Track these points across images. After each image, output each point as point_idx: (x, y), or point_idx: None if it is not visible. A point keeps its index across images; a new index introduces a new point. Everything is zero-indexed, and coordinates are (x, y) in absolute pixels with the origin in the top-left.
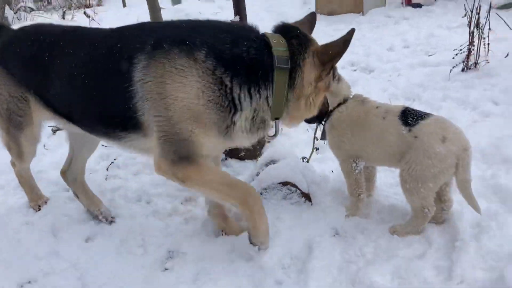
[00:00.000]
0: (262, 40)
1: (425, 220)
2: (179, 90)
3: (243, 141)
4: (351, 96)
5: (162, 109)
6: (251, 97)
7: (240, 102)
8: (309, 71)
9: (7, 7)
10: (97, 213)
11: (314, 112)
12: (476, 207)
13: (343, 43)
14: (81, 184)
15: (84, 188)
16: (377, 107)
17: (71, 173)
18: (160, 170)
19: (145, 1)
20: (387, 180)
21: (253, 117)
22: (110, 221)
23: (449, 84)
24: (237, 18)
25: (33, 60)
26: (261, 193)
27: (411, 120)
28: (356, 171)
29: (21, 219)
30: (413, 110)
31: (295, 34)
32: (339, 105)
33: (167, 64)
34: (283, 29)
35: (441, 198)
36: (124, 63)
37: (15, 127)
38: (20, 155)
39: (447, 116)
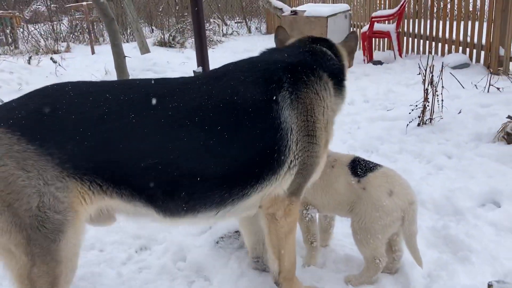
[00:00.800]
0: (324, 50)
1: (377, 270)
2: (321, 113)
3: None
4: None
5: (310, 137)
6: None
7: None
8: (346, 61)
9: None
10: None
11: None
12: (418, 260)
13: (355, 38)
14: None
15: None
16: (327, 156)
17: None
18: (276, 205)
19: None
20: (343, 230)
21: None
22: None
23: (405, 137)
24: (200, 69)
25: (102, 124)
26: (217, 242)
27: (360, 171)
28: (307, 218)
29: None
30: (363, 160)
31: (327, 41)
32: None
33: (310, 92)
34: (316, 40)
35: (392, 248)
36: (267, 105)
37: (50, 233)
38: (55, 284)
39: (402, 168)
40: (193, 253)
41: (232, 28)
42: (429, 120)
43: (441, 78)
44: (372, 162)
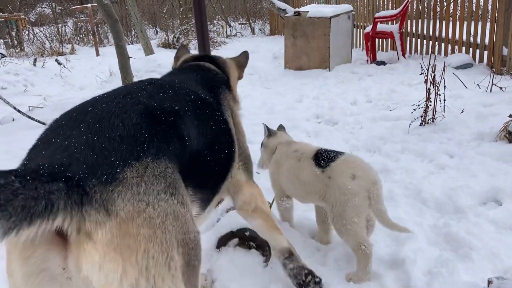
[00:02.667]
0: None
1: (366, 257)
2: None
3: None
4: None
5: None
6: None
7: None
8: (234, 74)
9: None
10: None
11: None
12: (400, 229)
13: (246, 56)
14: None
15: None
16: (295, 150)
17: None
18: (251, 196)
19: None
20: None
21: None
22: None
23: (408, 137)
24: None
25: None
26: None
27: (322, 162)
28: (282, 207)
29: None
30: (325, 151)
31: (217, 58)
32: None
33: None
34: (206, 58)
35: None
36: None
37: None
38: None
39: (405, 167)
40: None
41: (235, 30)
42: (431, 120)
43: (443, 78)
44: (334, 151)
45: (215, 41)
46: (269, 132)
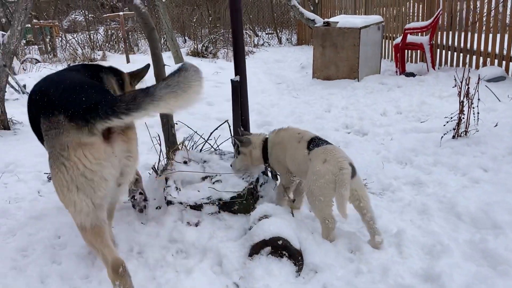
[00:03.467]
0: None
1: (328, 229)
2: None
3: None
4: (272, 132)
5: None
6: None
7: None
8: (127, 84)
9: (14, 58)
10: None
11: None
12: (344, 214)
13: (146, 68)
14: None
15: None
16: (298, 133)
17: None
18: None
19: (148, 58)
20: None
21: None
22: None
23: (440, 150)
24: (237, 78)
25: None
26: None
27: (311, 146)
28: (292, 182)
29: (8, 264)
30: (318, 139)
31: (115, 70)
32: (266, 140)
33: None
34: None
35: (362, 213)
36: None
37: None
38: None
39: (437, 180)
40: (229, 258)
41: (263, 39)
42: (464, 133)
43: (477, 91)
44: (325, 141)
45: None
46: (243, 141)
